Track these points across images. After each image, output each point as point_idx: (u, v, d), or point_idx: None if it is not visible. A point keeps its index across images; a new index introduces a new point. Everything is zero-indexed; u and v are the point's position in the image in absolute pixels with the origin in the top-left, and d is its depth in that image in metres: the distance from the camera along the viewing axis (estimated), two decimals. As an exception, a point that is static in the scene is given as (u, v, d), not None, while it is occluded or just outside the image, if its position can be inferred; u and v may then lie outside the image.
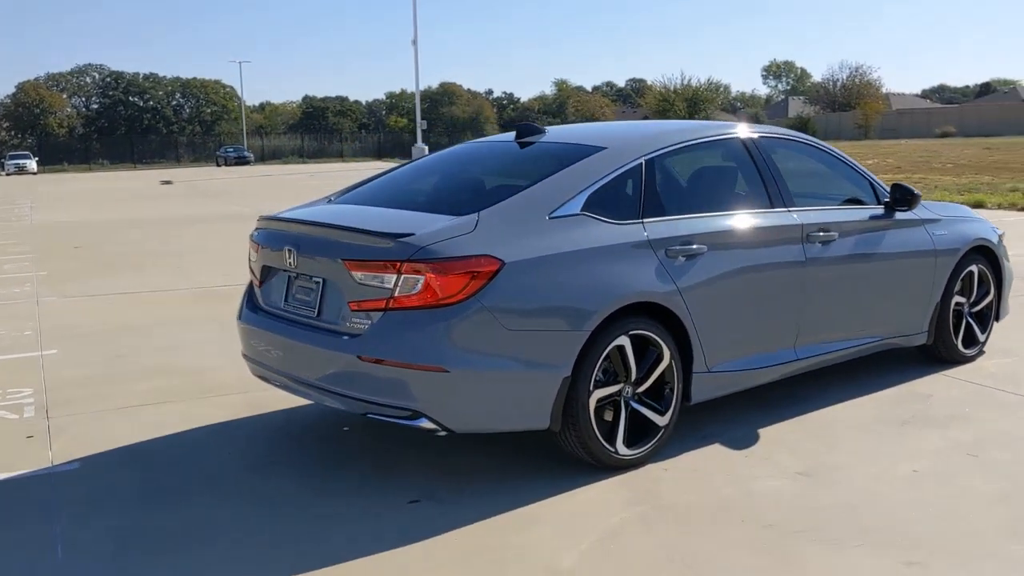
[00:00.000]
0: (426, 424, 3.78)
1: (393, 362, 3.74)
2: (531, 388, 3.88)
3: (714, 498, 3.87)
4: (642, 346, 4.15)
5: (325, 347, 3.97)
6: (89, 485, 4.18)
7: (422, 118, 43.73)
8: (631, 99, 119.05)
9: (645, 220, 4.27)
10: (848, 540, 3.47)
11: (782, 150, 5.10)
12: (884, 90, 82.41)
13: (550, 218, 4.05)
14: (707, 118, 79.07)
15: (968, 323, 5.81)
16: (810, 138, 5.46)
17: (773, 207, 4.79)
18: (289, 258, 4.22)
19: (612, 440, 4.08)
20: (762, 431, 4.64)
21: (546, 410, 3.90)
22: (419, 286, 3.72)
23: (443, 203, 4.45)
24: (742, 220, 4.64)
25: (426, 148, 42.77)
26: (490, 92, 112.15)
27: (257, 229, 4.61)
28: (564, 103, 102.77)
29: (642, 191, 4.36)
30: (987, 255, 5.88)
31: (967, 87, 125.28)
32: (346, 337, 3.90)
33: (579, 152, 4.46)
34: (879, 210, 5.34)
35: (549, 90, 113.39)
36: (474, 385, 3.78)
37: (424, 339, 3.73)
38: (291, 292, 4.31)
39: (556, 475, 4.12)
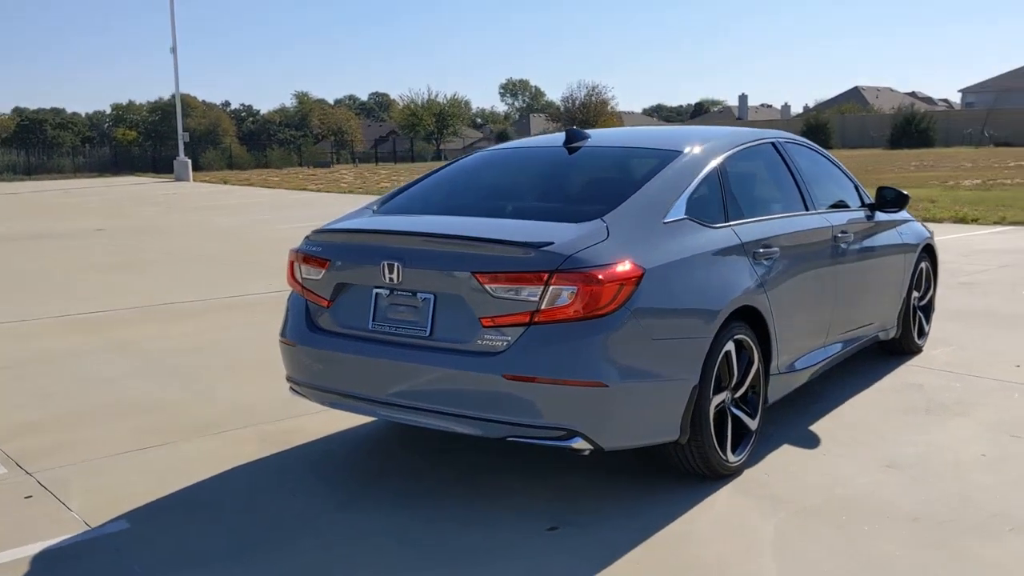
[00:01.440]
0: (578, 444, 3.55)
1: (546, 379, 3.49)
2: (669, 399, 3.76)
3: (837, 498, 3.91)
4: (739, 351, 4.15)
5: (453, 367, 3.64)
6: (163, 545, 3.57)
7: (184, 130, 41.07)
8: (375, 113, 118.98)
9: (731, 224, 4.29)
10: (994, 528, 3.61)
11: (796, 154, 5.29)
12: (617, 108, 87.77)
13: (664, 223, 3.96)
14: (454, 134, 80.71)
15: (919, 316, 6.32)
16: (811, 143, 5.72)
17: (807, 209, 4.97)
18: (390, 273, 3.83)
19: (724, 448, 4.05)
20: (813, 429, 4.78)
21: (677, 421, 3.79)
22: (569, 297, 3.49)
23: (546, 211, 4.22)
24: (799, 222, 4.79)
25: (189, 161, 40.16)
26: (227, 104, 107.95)
27: (318, 243, 4.16)
28: (307, 116, 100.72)
29: (722, 195, 4.37)
30: (930, 253, 6.43)
31: (681, 106, 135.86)
32: (480, 356, 3.60)
33: (658, 156, 4.39)
34: (870, 212, 5.68)
35: (290, 102, 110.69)
36: (629, 399, 3.61)
37: (580, 353, 3.51)
38: (381, 310, 3.92)
39: (671, 488, 4.02)
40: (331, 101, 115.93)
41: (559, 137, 4.97)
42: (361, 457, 4.57)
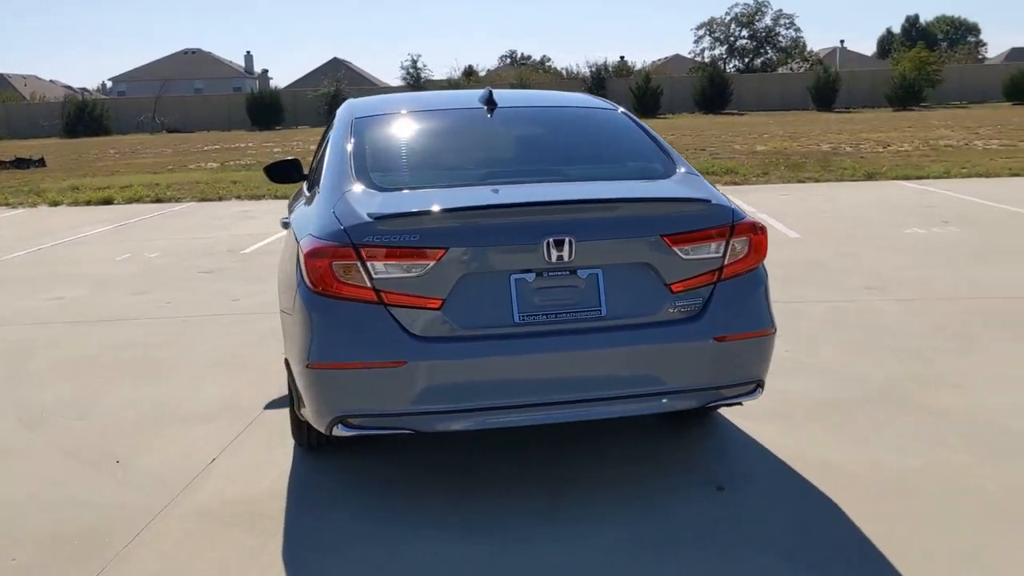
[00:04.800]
0: (759, 395, 3.69)
1: (747, 334, 3.56)
2: None
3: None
4: None
5: (650, 343, 3.41)
6: None
7: None
8: None
9: None
10: None
11: None
12: None
13: None
14: None
15: None
16: None
17: None
18: (558, 251, 3.32)
19: None
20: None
21: None
22: (744, 250, 3.58)
23: (611, 170, 4.05)
24: None
25: None
26: None
27: (413, 230, 3.32)
28: None
29: None
30: None
31: None
32: (679, 324, 3.46)
33: (606, 112, 4.63)
34: None
35: None
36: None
37: (760, 303, 3.64)
38: (526, 299, 3.37)
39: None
40: None
41: (468, 98, 4.60)
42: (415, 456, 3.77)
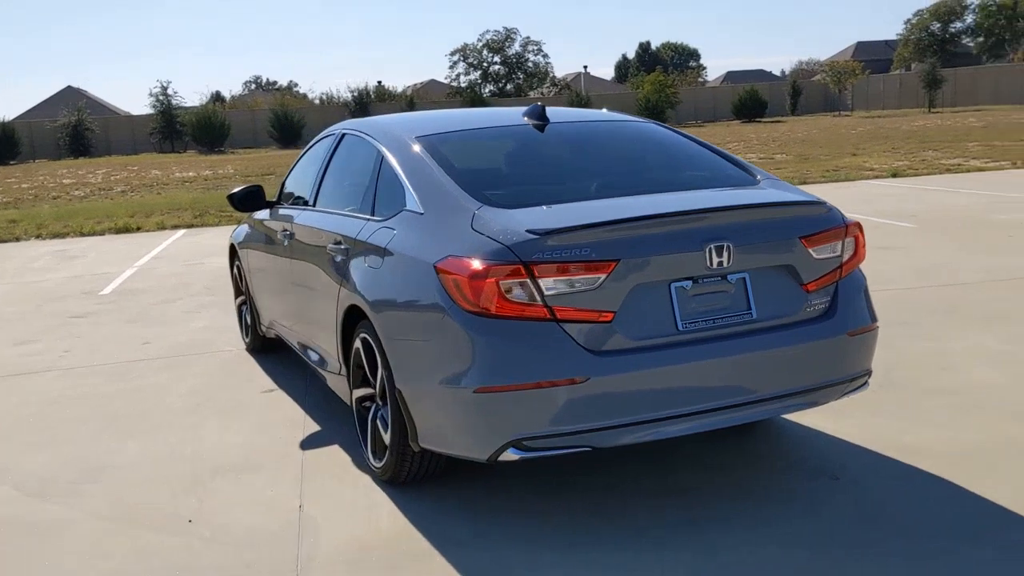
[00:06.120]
0: (868, 386, 3.89)
1: (869, 327, 3.78)
2: None
3: None
4: None
5: (796, 343, 3.55)
6: None
7: None
8: None
9: None
10: None
11: None
12: None
13: None
14: None
15: None
16: None
17: None
18: (718, 257, 3.41)
19: None
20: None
21: None
22: (853, 248, 3.80)
23: (701, 179, 4.09)
24: None
25: None
26: None
27: (585, 244, 3.28)
28: None
29: None
30: None
31: None
32: (816, 322, 3.63)
33: (649, 125, 4.75)
34: None
35: None
36: None
37: (868, 299, 3.87)
38: (686, 306, 3.41)
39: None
40: None
41: (512, 115, 4.62)
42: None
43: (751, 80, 75.24)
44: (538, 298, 3.25)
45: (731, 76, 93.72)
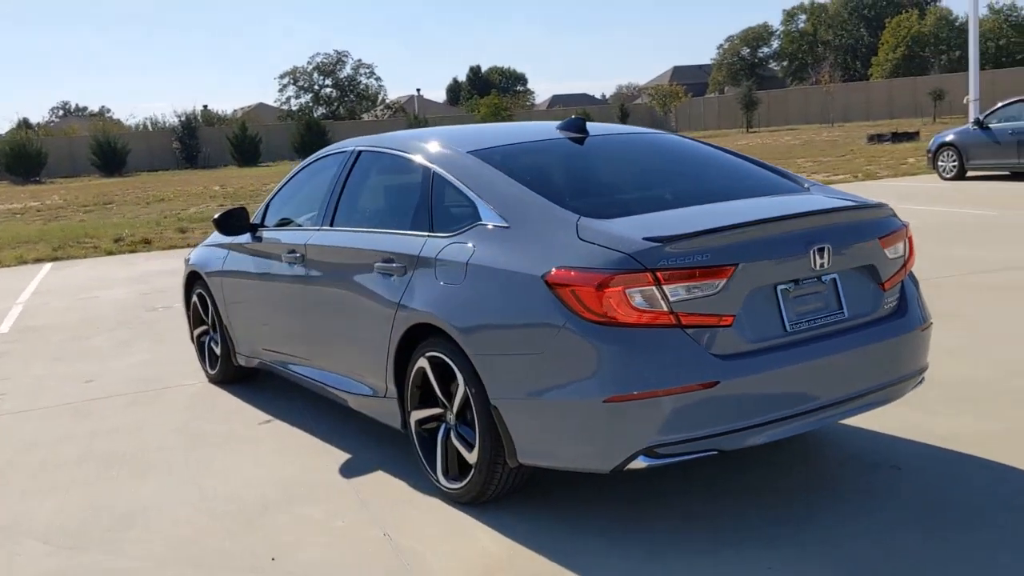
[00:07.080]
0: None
1: (928, 324, 3.99)
2: None
3: None
4: None
5: (884, 339, 3.72)
6: None
7: None
8: None
9: None
10: None
11: None
12: None
13: None
14: None
15: None
16: None
17: None
18: (820, 259, 3.54)
19: None
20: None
21: None
22: (907, 249, 4.00)
23: (756, 187, 4.18)
24: None
25: None
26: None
27: (705, 249, 3.33)
28: None
29: None
30: None
31: None
32: (894, 319, 3.82)
33: (682, 140, 4.81)
34: None
35: None
36: None
37: (922, 296, 4.09)
38: (790, 307, 3.52)
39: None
40: None
41: (547, 129, 4.67)
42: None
43: (576, 103, 77.93)
44: (664, 305, 3.27)
45: (557, 99, 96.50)
